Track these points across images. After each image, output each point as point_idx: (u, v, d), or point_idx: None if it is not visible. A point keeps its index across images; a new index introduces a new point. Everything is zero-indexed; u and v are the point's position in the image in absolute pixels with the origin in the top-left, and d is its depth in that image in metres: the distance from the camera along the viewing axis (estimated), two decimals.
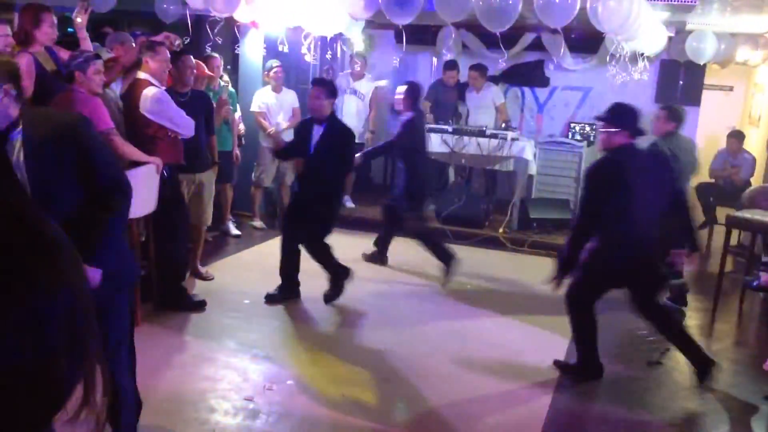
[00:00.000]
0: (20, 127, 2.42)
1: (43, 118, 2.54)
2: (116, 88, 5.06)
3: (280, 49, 6.89)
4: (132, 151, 4.42)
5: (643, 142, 5.10)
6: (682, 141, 5.72)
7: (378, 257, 6.52)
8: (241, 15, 6.54)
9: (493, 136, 7.74)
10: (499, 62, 7.91)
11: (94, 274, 2.46)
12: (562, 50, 8.31)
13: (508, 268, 6.60)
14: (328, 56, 8.21)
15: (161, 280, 5.00)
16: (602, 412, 4.01)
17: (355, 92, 8.22)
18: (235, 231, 7.15)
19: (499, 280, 6.28)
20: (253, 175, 7.36)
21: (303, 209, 5.20)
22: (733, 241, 6.51)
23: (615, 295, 5.81)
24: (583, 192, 4.30)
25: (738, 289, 6.03)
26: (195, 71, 5.36)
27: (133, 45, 5.27)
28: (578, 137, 8.30)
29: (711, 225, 8.47)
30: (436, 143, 7.86)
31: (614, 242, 4.15)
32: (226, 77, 6.81)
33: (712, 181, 8.59)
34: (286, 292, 5.32)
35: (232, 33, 7.31)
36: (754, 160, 8.52)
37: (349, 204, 8.20)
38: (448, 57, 8.27)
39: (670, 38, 7.23)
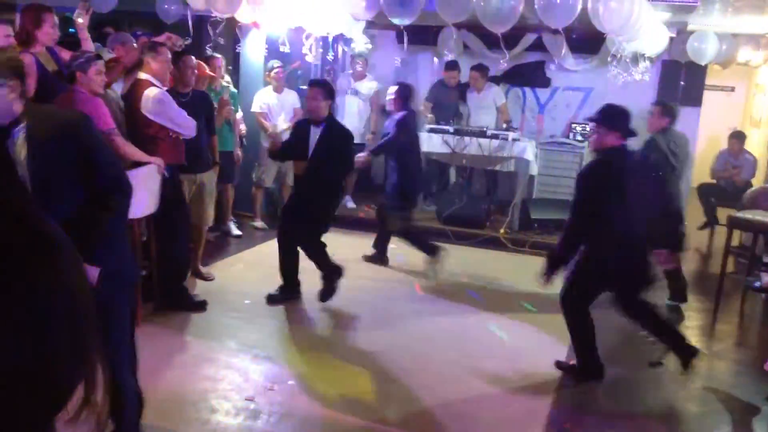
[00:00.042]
0: (23, 123, 2.43)
1: (46, 116, 2.56)
2: (117, 89, 5.06)
3: (281, 49, 6.90)
4: (133, 152, 4.42)
5: (640, 140, 5.16)
6: (678, 136, 5.75)
7: (378, 258, 6.52)
8: (242, 15, 6.54)
9: (494, 136, 7.74)
10: (501, 63, 7.91)
11: (93, 273, 2.46)
12: (563, 51, 8.31)
13: (509, 269, 6.60)
14: (330, 57, 8.21)
15: (162, 280, 5.01)
16: (603, 413, 4.00)
17: (356, 93, 8.22)
18: (236, 231, 7.16)
19: (499, 281, 6.28)
20: (254, 175, 7.37)
21: (300, 209, 5.18)
22: (735, 241, 6.50)
23: (610, 295, 5.84)
24: (576, 194, 4.29)
25: (739, 290, 6.03)
26: (196, 71, 5.36)
27: (135, 45, 5.27)
28: (579, 138, 8.30)
29: (712, 225, 8.47)
30: (437, 144, 7.86)
31: (609, 243, 4.16)
32: (227, 77, 6.81)
33: (714, 181, 8.59)
34: (287, 293, 5.32)
35: (233, 33, 7.31)
36: (755, 160, 8.52)
37: (350, 204, 8.21)
38: (450, 57, 8.27)
39: (671, 39, 7.23)
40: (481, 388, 4.15)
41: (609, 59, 7.09)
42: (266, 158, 7.18)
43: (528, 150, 7.64)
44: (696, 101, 8.53)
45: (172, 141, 4.78)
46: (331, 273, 5.29)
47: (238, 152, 6.85)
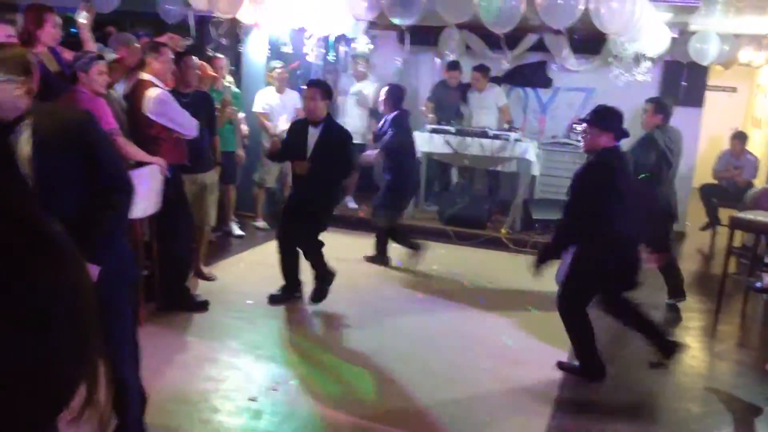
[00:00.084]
0: (27, 120, 2.45)
1: (52, 113, 2.59)
2: (119, 89, 5.07)
3: (282, 50, 6.90)
4: (135, 152, 4.42)
5: (632, 138, 5.21)
6: (673, 132, 5.77)
7: (379, 259, 6.52)
8: (244, 15, 6.55)
9: (496, 137, 7.74)
10: (502, 63, 7.91)
11: (93, 272, 2.47)
12: (565, 51, 8.31)
13: (510, 269, 6.59)
14: (332, 57, 8.21)
15: (164, 280, 5.01)
16: (605, 414, 4.00)
17: (357, 93, 8.22)
18: (238, 231, 7.16)
19: (501, 281, 6.28)
20: (255, 175, 7.37)
21: (300, 210, 5.14)
22: (736, 242, 6.50)
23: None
24: (572, 194, 4.29)
25: (741, 291, 6.03)
26: (198, 72, 5.36)
27: (137, 46, 5.28)
28: (581, 138, 8.29)
29: (714, 226, 8.47)
30: (438, 144, 7.87)
31: (603, 244, 4.17)
32: (229, 78, 6.82)
33: (716, 182, 8.59)
34: (289, 293, 5.32)
35: (235, 34, 7.31)
36: (757, 161, 8.52)
37: (352, 204, 8.21)
38: (451, 58, 8.27)
39: (673, 39, 7.23)
40: (482, 389, 4.14)
41: (611, 60, 7.10)
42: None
43: (529, 150, 7.64)
44: (698, 102, 8.53)
45: (174, 141, 4.78)
46: (325, 275, 5.27)
47: (241, 152, 6.86)
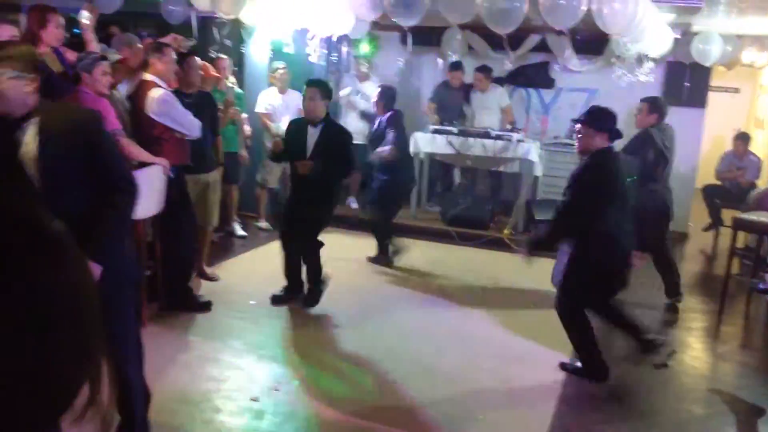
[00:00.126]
0: (34, 118, 2.48)
1: (59, 112, 2.62)
2: (122, 90, 5.07)
3: (285, 50, 6.90)
4: (138, 152, 4.43)
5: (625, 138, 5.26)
6: (669, 130, 5.79)
7: (382, 259, 6.52)
8: (246, 16, 6.55)
9: (499, 137, 7.73)
10: (505, 64, 7.91)
11: (95, 271, 2.48)
12: (567, 52, 8.30)
13: (512, 270, 6.58)
14: (334, 58, 8.21)
15: (167, 280, 5.01)
16: (608, 415, 4.00)
17: (360, 94, 8.22)
18: (240, 232, 7.16)
19: (503, 282, 6.28)
20: (258, 176, 7.38)
21: (300, 210, 5.11)
22: (739, 243, 6.49)
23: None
24: (568, 195, 4.29)
25: (744, 292, 6.02)
26: (201, 72, 5.37)
27: (140, 47, 5.28)
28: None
29: (717, 227, 8.46)
30: (441, 144, 7.87)
31: (601, 244, 4.18)
32: (232, 78, 6.82)
33: (718, 183, 8.58)
34: (292, 293, 5.32)
35: (238, 34, 7.32)
36: (760, 161, 8.50)
37: (354, 205, 8.21)
38: (454, 58, 8.27)
39: (675, 40, 7.22)
40: (484, 390, 4.14)
41: (613, 60, 7.09)
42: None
43: (532, 151, 7.64)
44: (700, 102, 8.52)
45: (176, 141, 4.79)
46: (318, 280, 5.24)
47: (244, 153, 6.86)
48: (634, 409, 4.06)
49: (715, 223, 8.47)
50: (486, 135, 7.75)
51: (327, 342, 4.76)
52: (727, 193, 8.32)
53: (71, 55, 4.56)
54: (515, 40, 7.62)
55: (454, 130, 7.87)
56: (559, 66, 8.82)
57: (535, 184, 8.02)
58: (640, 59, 6.91)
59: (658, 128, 5.65)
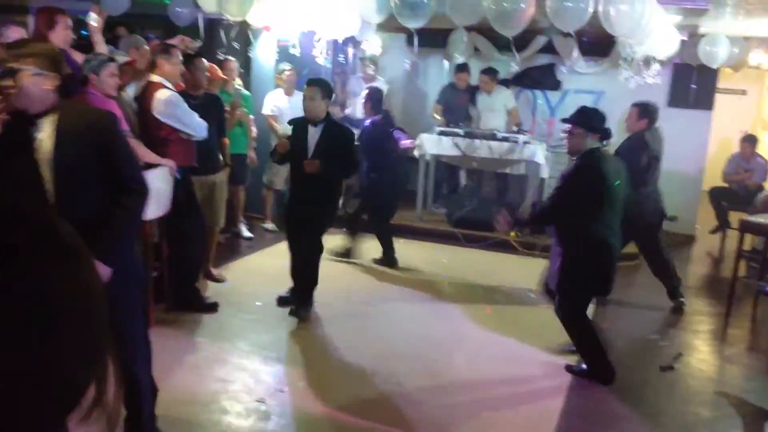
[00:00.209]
0: (52, 116, 2.52)
1: (76, 111, 2.67)
2: (130, 91, 5.09)
3: (291, 52, 6.91)
4: (145, 154, 4.44)
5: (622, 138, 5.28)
6: (659, 134, 5.81)
7: (387, 260, 6.53)
8: (253, 18, 6.56)
9: (505, 139, 7.73)
10: (511, 66, 7.90)
11: (105, 271, 2.50)
12: (574, 54, 8.29)
13: (518, 272, 6.58)
14: (341, 59, 8.22)
15: (174, 281, 5.02)
16: (614, 417, 3.99)
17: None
18: (247, 233, 7.17)
19: (509, 284, 6.27)
20: (265, 177, 7.38)
21: (302, 211, 5.04)
22: (747, 245, 6.47)
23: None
24: (557, 193, 4.30)
25: (751, 294, 6.00)
26: (208, 74, 5.38)
27: (147, 49, 5.30)
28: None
29: (724, 229, 8.43)
30: (447, 146, 7.86)
31: (591, 245, 4.17)
32: (239, 80, 6.84)
33: (726, 185, 8.55)
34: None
35: (245, 36, 7.33)
36: (767, 164, 8.47)
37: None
38: (460, 60, 8.26)
39: (682, 42, 7.20)
40: (489, 391, 4.14)
41: (620, 62, 7.07)
42: None
43: (538, 153, 7.63)
44: (707, 104, 8.50)
45: (182, 143, 4.80)
46: (313, 285, 5.18)
47: (252, 154, 6.87)
48: (640, 411, 4.05)
49: (722, 225, 8.44)
50: (492, 137, 7.74)
51: (332, 343, 4.76)
52: (734, 195, 8.30)
53: (79, 57, 4.57)
54: (521, 41, 7.61)
55: (460, 131, 7.86)
56: (566, 68, 8.81)
57: (542, 186, 8.00)
58: (647, 61, 6.90)
59: (650, 133, 5.67)
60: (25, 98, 2.48)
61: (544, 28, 7.32)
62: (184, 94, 4.96)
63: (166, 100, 4.65)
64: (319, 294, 5.28)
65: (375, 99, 6.43)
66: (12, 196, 0.72)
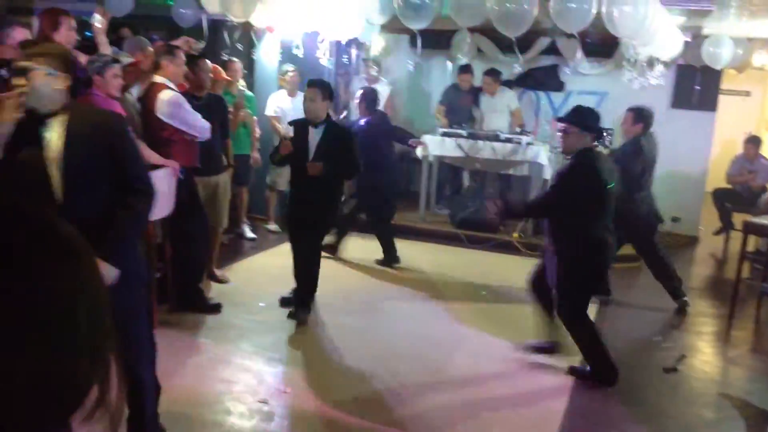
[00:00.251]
0: (62, 116, 2.54)
1: (86, 112, 2.71)
2: (134, 92, 5.09)
3: (295, 53, 6.92)
4: (149, 155, 4.45)
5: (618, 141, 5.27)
6: (654, 139, 5.83)
7: (388, 260, 6.53)
8: (257, 19, 6.57)
9: (508, 140, 7.72)
10: (514, 66, 7.90)
11: (112, 273, 2.51)
12: (577, 55, 8.28)
13: (522, 273, 6.56)
14: (344, 60, 8.22)
15: (178, 282, 5.03)
16: (617, 418, 3.99)
17: None
18: (250, 234, 7.18)
19: (512, 285, 6.26)
20: (267, 178, 7.39)
21: (304, 213, 5.02)
22: (750, 247, 6.46)
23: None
24: (552, 191, 4.31)
25: (755, 296, 5.98)
26: (211, 75, 5.39)
27: (151, 50, 5.31)
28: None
29: (728, 230, 8.41)
30: (450, 147, 7.87)
31: (587, 244, 4.17)
32: (242, 81, 6.84)
33: (729, 186, 8.54)
34: None
35: (248, 37, 7.35)
36: None
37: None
38: (463, 61, 8.26)
39: (686, 43, 7.20)
40: (492, 392, 4.14)
41: (623, 63, 7.07)
42: None
43: (541, 154, 7.62)
44: (711, 106, 8.49)
45: (186, 143, 4.81)
46: (314, 286, 5.18)
47: (257, 155, 6.87)
48: (643, 412, 4.04)
49: (726, 226, 8.42)
50: (495, 138, 7.74)
51: (334, 344, 4.76)
52: (738, 196, 8.28)
53: (83, 58, 4.58)
54: (525, 42, 7.61)
55: (464, 132, 7.86)
56: (569, 69, 8.80)
57: (545, 187, 7.99)
58: (651, 62, 6.89)
59: (646, 138, 5.67)
60: (37, 98, 2.51)
61: (547, 30, 7.32)
62: (187, 95, 4.97)
63: (169, 100, 4.66)
64: (320, 294, 5.28)
65: (369, 99, 6.45)
66: (12, 196, 0.72)
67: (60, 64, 2.55)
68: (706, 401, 4.29)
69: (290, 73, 7.22)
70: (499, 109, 8.35)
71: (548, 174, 7.77)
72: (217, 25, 6.96)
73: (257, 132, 7.01)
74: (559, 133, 4.33)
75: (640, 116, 5.72)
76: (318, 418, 3.71)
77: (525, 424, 3.83)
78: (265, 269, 6.24)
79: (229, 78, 6.31)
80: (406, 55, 8.99)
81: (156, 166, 4.44)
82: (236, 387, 3.97)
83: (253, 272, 6.19)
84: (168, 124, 4.68)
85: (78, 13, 5.27)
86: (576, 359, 4.51)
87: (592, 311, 4.46)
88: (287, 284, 5.32)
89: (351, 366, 4.37)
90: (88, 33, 5.88)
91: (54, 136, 2.51)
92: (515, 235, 7.52)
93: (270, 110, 7.25)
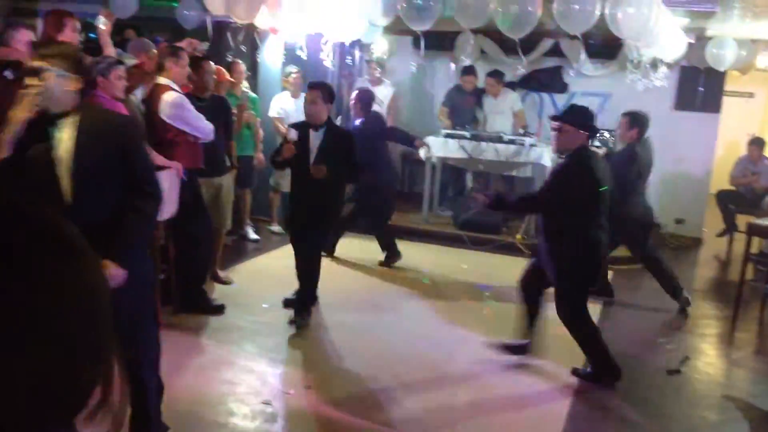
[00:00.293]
0: (73, 117, 2.55)
1: (97, 113, 2.72)
2: (138, 94, 5.11)
3: (298, 54, 6.93)
4: (153, 156, 4.45)
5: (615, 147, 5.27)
6: (649, 144, 5.83)
7: (390, 260, 6.53)
8: (261, 21, 6.58)
9: (511, 141, 7.72)
10: (518, 68, 7.89)
11: (120, 274, 2.52)
12: (581, 56, 8.28)
13: None
14: (348, 61, 8.22)
15: (181, 283, 5.04)
16: (620, 420, 3.98)
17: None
18: (253, 235, 7.19)
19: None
20: (271, 179, 7.40)
21: (307, 215, 4.99)
22: (754, 248, 6.44)
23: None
24: (546, 190, 4.30)
25: (758, 298, 5.98)
26: (215, 76, 5.40)
27: (155, 52, 5.32)
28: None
29: (731, 232, 8.40)
30: (453, 149, 7.87)
31: (596, 244, 4.20)
32: (246, 83, 6.85)
33: (733, 188, 8.52)
34: None
35: (252, 39, 7.35)
36: None
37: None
38: (466, 62, 8.26)
39: (689, 45, 7.19)
40: (494, 394, 4.14)
41: (627, 65, 7.06)
42: None
43: (545, 155, 7.62)
44: (715, 107, 8.47)
45: (189, 145, 4.81)
46: (314, 288, 5.17)
47: (261, 156, 6.87)
48: (647, 414, 4.04)
49: (730, 228, 8.41)
50: (498, 139, 7.74)
51: (338, 346, 4.77)
52: (742, 198, 8.26)
53: (87, 60, 4.58)
54: (528, 44, 7.61)
55: (467, 134, 7.86)
56: (573, 70, 8.80)
57: None
58: (654, 64, 6.88)
59: (641, 144, 5.66)
60: (48, 99, 2.53)
61: (551, 31, 7.31)
62: (191, 96, 4.97)
63: (172, 102, 4.66)
64: (321, 294, 5.29)
65: (364, 100, 6.45)
66: (12, 196, 0.72)
67: (71, 65, 2.57)
68: (709, 403, 4.28)
69: (293, 75, 7.23)
70: (502, 110, 8.35)
71: None
72: (221, 26, 6.97)
73: (261, 133, 7.01)
74: (553, 132, 4.30)
75: (636, 121, 5.71)
76: (322, 419, 3.72)
77: (526, 425, 3.83)
78: (269, 271, 6.25)
79: (232, 79, 6.32)
80: (409, 57, 8.98)
81: (160, 168, 4.45)
82: (239, 388, 3.98)
83: (256, 274, 6.20)
84: (171, 125, 4.68)
85: (82, 15, 5.29)
86: (562, 361, 4.50)
87: (595, 313, 4.45)
88: (290, 286, 5.32)
89: (353, 367, 4.38)
90: (92, 34, 5.90)
91: (65, 136, 2.52)
92: (518, 236, 7.51)
93: (273, 112, 7.26)
